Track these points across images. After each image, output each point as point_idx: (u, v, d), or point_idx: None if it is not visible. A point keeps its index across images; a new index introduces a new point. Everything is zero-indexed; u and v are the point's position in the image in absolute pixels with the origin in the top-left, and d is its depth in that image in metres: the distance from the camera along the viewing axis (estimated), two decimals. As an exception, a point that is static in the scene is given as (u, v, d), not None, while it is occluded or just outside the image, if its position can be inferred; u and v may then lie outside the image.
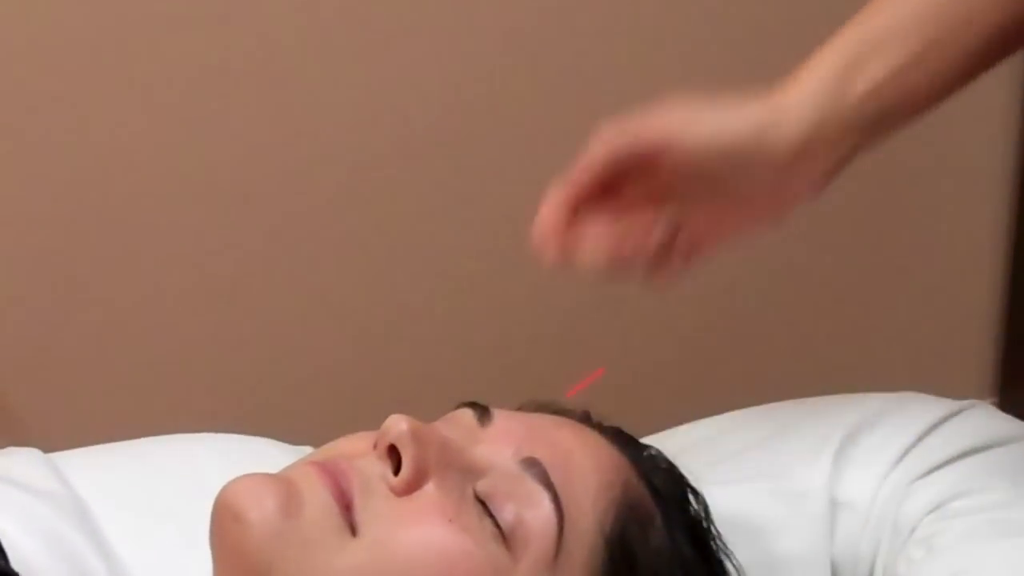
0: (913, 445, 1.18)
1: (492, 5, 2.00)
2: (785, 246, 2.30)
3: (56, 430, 1.69)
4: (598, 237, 1.00)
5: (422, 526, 0.88)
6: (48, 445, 1.27)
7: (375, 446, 0.92)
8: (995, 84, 2.27)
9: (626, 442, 1.00)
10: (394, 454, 0.90)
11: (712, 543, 1.00)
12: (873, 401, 1.24)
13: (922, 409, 1.22)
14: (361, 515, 0.89)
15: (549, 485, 0.90)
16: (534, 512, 0.89)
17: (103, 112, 1.94)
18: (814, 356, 2.38)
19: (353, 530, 0.88)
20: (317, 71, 1.99)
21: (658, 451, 1.03)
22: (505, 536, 0.88)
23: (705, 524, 1.00)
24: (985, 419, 1.22)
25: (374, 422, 0.93)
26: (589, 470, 0.93)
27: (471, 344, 2.20)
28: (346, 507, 0.89)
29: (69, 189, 1.98)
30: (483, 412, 0.96)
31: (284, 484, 0.89)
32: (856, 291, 2.37)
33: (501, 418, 0.96)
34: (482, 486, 0.90)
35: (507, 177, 2.14)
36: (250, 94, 1.98)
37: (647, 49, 2.08)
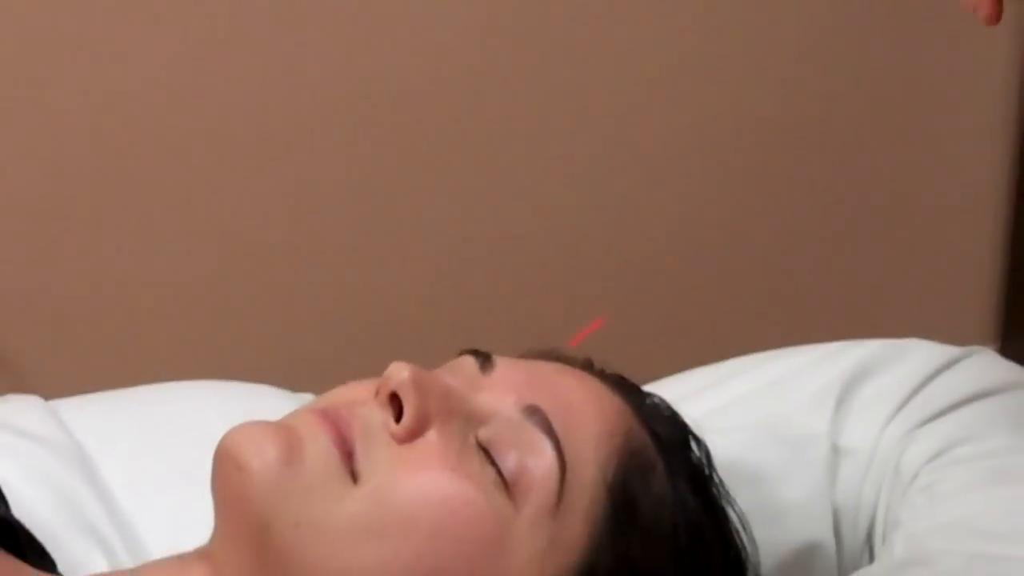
0: (915, 392, 1.18)
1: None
2: (788, 190, 2.30)
3: (56, 377, 1.70)
4: None
5: (424, 474, 0.88)
6: (48, 392, 1.27)
7: (377, 393, 0.92)
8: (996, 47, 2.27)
9: (628, 390, 1.00)
10: (396, 402, 0.90)
11: (714, 490, 1.00)
12: (875, 348, 1.23)
13: (924, 356, 1.22)
14: (362, 463, 0.89)
15: (551, 433, 0.90)
16: (536, 460, 0.89)
17: (110, 54, 1.94)
18: (816, 303, 2.39)
19: (354, 478, 0.88)
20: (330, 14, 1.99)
21: (660, 398, 1.03)
22: (507, 484, 0.88)
23: (707, 471, 1.00)
24: (987, 366, 1.22)
25: (376, 369, 0.93)
26: (591, 418, 0.93)
27: (473, 291, 2.20)
28: (347, 455, 0.88)
29: (69, 135, 1.97)
30: (485, 360, 0.96)
31: (285, 432, 0.89)
32: (860, 237, 2.37)
33: (503, 366, 0.95)
34: (484, 434, 0.90)
35: (514, 123, 2.13)
36: (257, 37, 1.97)
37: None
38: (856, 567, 1.13)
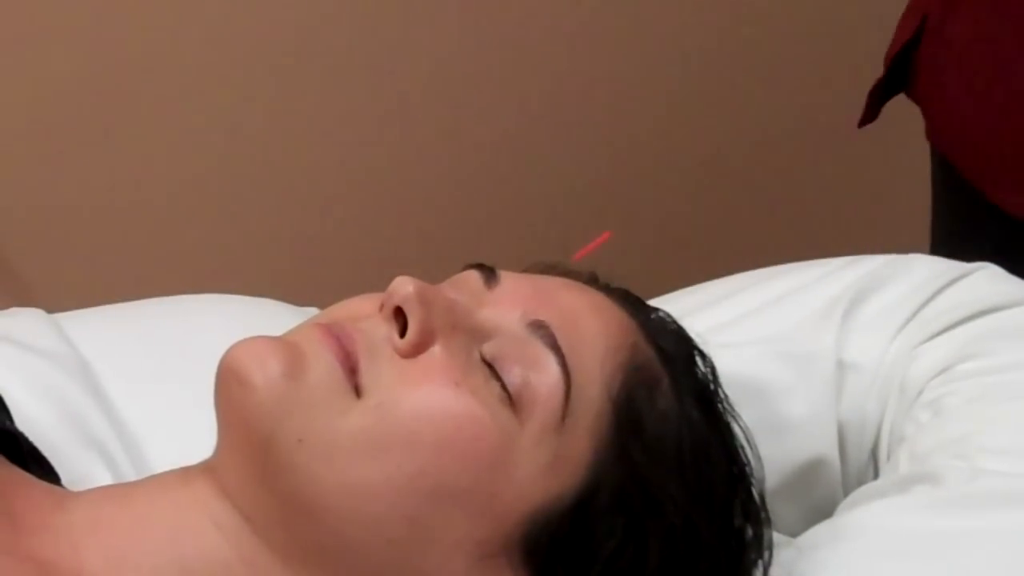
0: (921, 307, 1.18)
1: None
2: (790, 104, 2.29)
3: (60, 290, 1.69)
4: None
5: (428, 388, 0.88)
6: (52, 306, 1.27)
7: (381, 308, 0.92)
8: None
9: (634, 304, 1.00)
10: (400, 316, 0.90)
11: (719, 405, 0.99)
12: (881, 263, 1.23)
13: (930, 271, 1.22)
14: (366, 377, 0.88)
15: (556, 348, 0.90)
16: (541, 375, 0.89)
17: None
18: (821, 216, 2.38)
19: (358, 392, 0.88)
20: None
21: (666, 313, 1.02)
22: (512, 399, 0.88)
23: (712, 386, 1.00)
24: (993, 281, 1.22)
25: (380, 284, 0.93)
26: (596, 333, 0.92)
27: (478, 204, 2.20)
28: (351, 369, 0.88)
29: (70, 45, 1.96)
30: (490, 274, 0.95)
31: (288, 347, 0.89)
32: (863, 151, 2.36)
33: (508, 280, 0.95)
34: (489, 349, 0.90)
35: (520, 35, 2.12)
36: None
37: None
38: (861, 483, 1.13)
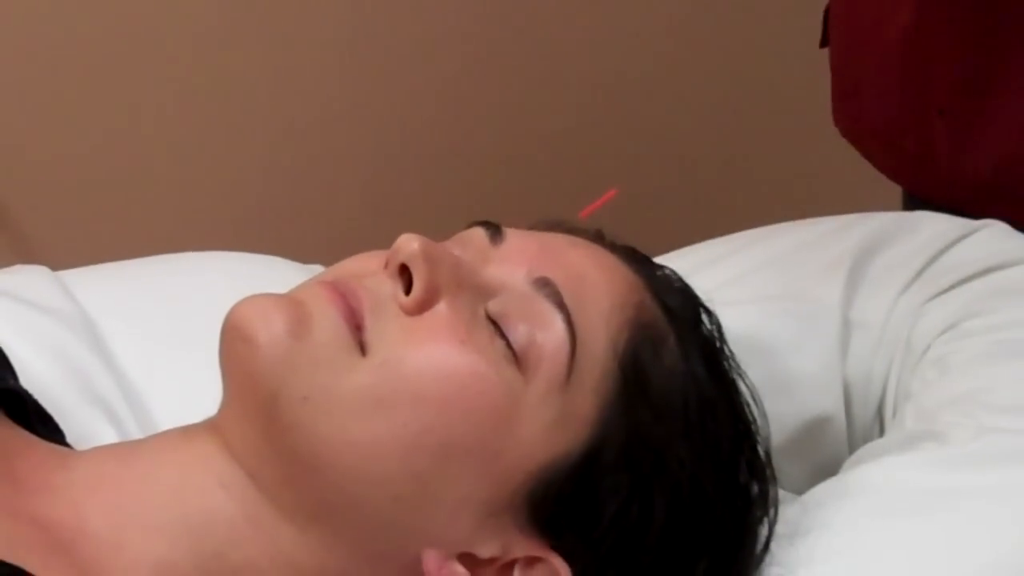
0: (928, 264, 1.18)
1: None
2: (805, 52, 2.28)
3: (64, 248, 1.69)
4: None
5: (433, 346, 0.87)
6: (56, 263, 1.27)
7: (386, 265, 0.92)
8: None
9: (639, 261, 0.99)
10: (405, 273, 0.89)
11: (725, 363, 0.99)
12: (887, 220, 1.23)
13: (936, 228, 1.21)
14: (371, 335, 0.88)
15: (562, 306, 0.89)
16: (546, 333, 0.89)
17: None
18: (825, 172, 2.37)
19: (363, 350, 0.88)
20: None
21: (672, 270, 1.02)
22: (517, 357, 0.88)
23: (718, 344, 1.00)
24: (1000, 238, 1.21)
25: (386, 241, 0.92)
26: (602, 290, 0.92)
27: (484, 162, 2.19)
28: (356, 327, 0.88)
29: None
30: (495, 231, 0.95)
31: (293, 304, 0.88)
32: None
33: (513, 237, 0.95)
34: (494, 306, 0.89)
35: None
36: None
37: None
38: (866, 440, 1.13)
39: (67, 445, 1.00)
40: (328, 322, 0.87)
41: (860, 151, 1.59)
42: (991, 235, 1.21)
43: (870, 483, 1.01)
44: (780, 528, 0.97)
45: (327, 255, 1.08)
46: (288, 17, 2.05)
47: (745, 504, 0.96)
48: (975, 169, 1.44)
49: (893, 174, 1.56)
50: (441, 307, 0.89)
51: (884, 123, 1.51)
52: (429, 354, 0.87)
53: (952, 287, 1.16)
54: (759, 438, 0.99)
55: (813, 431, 1.13)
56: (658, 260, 1.05)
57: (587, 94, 2.21)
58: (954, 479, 0.99)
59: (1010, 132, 1.41)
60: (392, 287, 0.90)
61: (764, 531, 0.97)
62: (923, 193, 1.51)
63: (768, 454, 0.99)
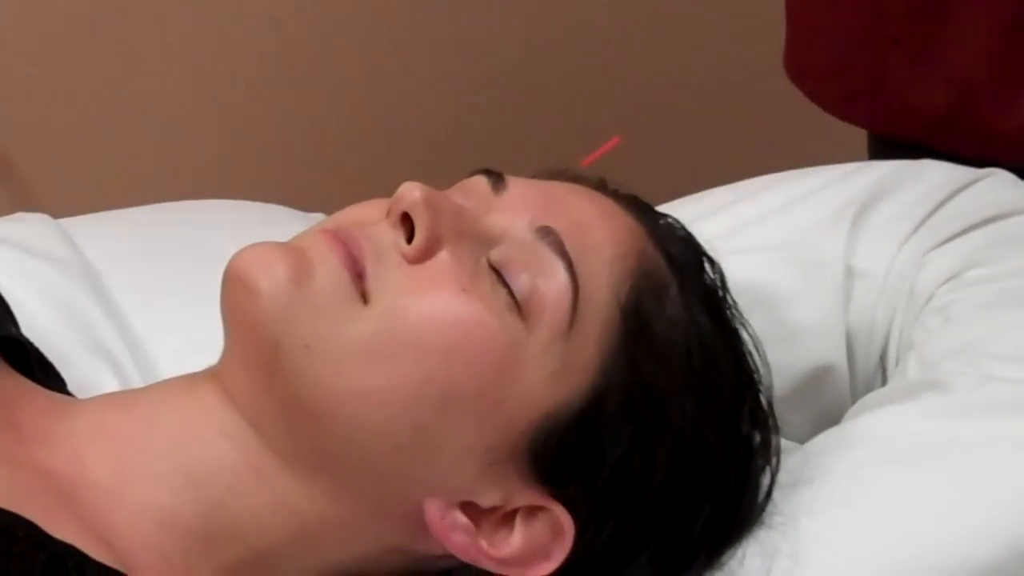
0: (931, 213, 1.17)
1: None
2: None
3: (66, 195, 1.69)
4: None
5: (435, 294, 0.87)
6: (58, 211, 1.27)
7: (388, 213, 0.91)
8: None
9: (642, 210, 0.99)
10: (407, 222, 0.89)
11: (728, 312, 0.99)
12: (890, 168, 1.22)
13: (940, 176, 1.21)
14: (373, 283, 0.88)
15: (564, 254, 0.89)
16: (549, 281, 0.88)
17: None
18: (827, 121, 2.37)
19: (365, 298, 0.88)
20: None
21: (675, 219, 1.02)
22: (519, 305, 0.88)
23: (721, 293, 0.99)
24: (1004, 187, 1.21)
25: (388, 189, 0.92)
26: (605, 239, 0.92)
27: (486, 110, 2.19)
28: (358, 275, 0.88)
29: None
30: (498, 179, 0.94)
31: (295, 252, 0.88)
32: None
33: (516, 186, 0.94)
34: (496, 255, 0.89)
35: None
36: None
37: None
38: (869, 389, 1.13)
39: (69, 394, 1.00)
40: (330, 270, 0.87)
41: (809, 95, 1.55)
42: (994, 184, 1.21)
43: (872, 432, 1.01)
44: (782, 477, 0.97)
45: (329, 204, 1.08)
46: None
47: (747, 453, 0.96)
48: (932, 99, 1.41)
49: (844, 112, 1.53)
50: (443, 255, 0.89)
51: (837, 58, 1.48)
52: (431, 303, 0.87)
53: (955, 236, 1.15)
54: (761, 387, 0.99)
55: (815, 380, 1.13)
56: (661, 209, 1.04)
57: (590, 41, 2.20)
58: (956, 428, 0.99)
59: (969, 56, 1.37)
60: (394, 236, 0.90)
61: (766, 480, 0.97)
62: (876, 128, 1.49)
63: (770, 403, 0.99)
